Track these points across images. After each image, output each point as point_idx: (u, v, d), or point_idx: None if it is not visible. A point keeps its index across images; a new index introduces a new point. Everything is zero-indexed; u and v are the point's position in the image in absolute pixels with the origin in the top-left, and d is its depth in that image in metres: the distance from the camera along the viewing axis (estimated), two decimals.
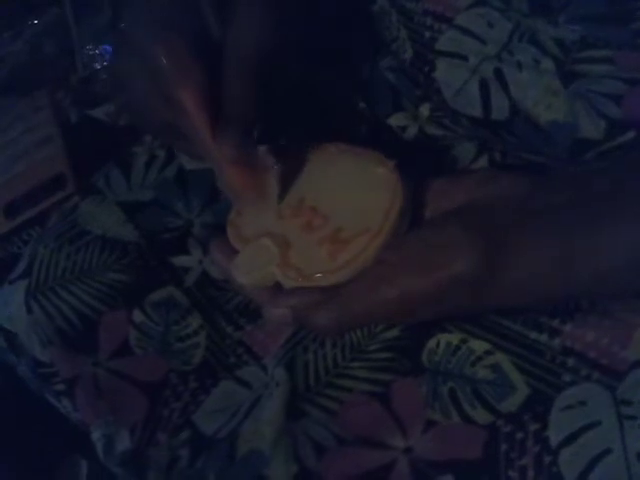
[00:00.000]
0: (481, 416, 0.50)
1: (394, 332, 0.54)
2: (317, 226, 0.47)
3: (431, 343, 0.53)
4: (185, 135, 0.47)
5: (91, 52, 0.95)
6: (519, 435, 0.48)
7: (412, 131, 0.62)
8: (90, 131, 0.81)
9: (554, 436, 0.48)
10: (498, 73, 0.54)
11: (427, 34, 0.57)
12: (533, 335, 0.51)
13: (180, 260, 0.63)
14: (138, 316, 0.60)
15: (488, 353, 0.51)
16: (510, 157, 0.58)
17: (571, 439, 0.47)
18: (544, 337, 0.51)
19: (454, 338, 0.52)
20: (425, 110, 0.61)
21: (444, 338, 0.53)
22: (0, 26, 1.01)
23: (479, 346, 0.52)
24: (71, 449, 0.76)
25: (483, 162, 0.59)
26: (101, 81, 0.93)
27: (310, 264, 0.45)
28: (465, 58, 0.55)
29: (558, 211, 0.43)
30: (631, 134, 0.51)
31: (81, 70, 0.94)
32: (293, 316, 0.45)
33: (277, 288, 0.47)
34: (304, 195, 0.49)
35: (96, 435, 0.58)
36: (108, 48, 0.93)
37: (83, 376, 0.59)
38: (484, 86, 0.55)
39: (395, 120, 0.63)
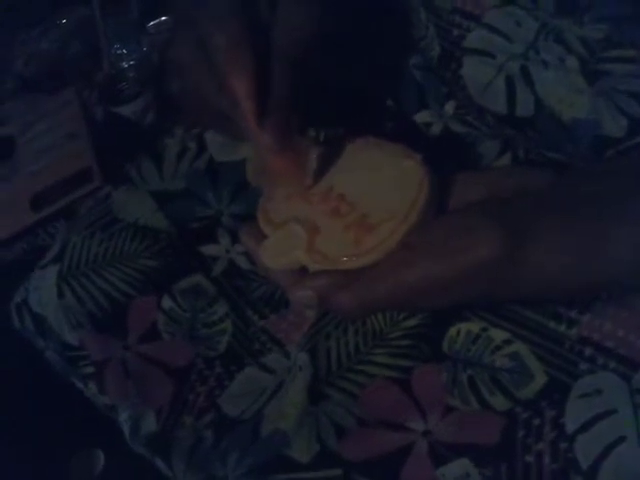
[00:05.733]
0: (499, 403, 0.51)
1: (415, 320, 0.55)
2: (344, 212, 0.48)
3: (452, 331, 0.54)
4: (231, 119, 0.47)
5: (118, 51, 0.96)
6: (536, 421, 0.50)
7: (437, 128, 0.63)
8: (116, 128, 0.82)
9: (570, 423, 0.49)
10: (524, 71, 0.55)
11: (455, 32, 0.58)
12: (551, 325, 0.52)
13: (208, 249, 0.64)
14: (167, 302, 0.61)
15: (507, 342, 0.53)
16: (533, 154, 0.59)
17: (587, 426, 0.49)
18: (562, 327, 0.52)
19: (474, 327, 0.54)
20: (450, 108, 0.62)
21: (464, 327, 0.54)
22: (29, 25, 1.02)
23: (498, 335, 0.53)
24: (88, 440, 0.76)
25: (506, 159, 0.60)
26: (128, 79, 0.94)
27: (336, 248, 0.46)
28: (492, 56, 0.56)
29: (580, 204, 0.44)
30: None
31: (108, 68, 0.96)
32: (316, 297, 0.46)
33: (302, 272, 0.48)
34: (333, 183, 0.50)
35: (123, 416, 0.59)
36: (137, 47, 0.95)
37: (113, 359, 0.60)
38: (510, 83, 0.56)
39: (421, 117, 0.64)
